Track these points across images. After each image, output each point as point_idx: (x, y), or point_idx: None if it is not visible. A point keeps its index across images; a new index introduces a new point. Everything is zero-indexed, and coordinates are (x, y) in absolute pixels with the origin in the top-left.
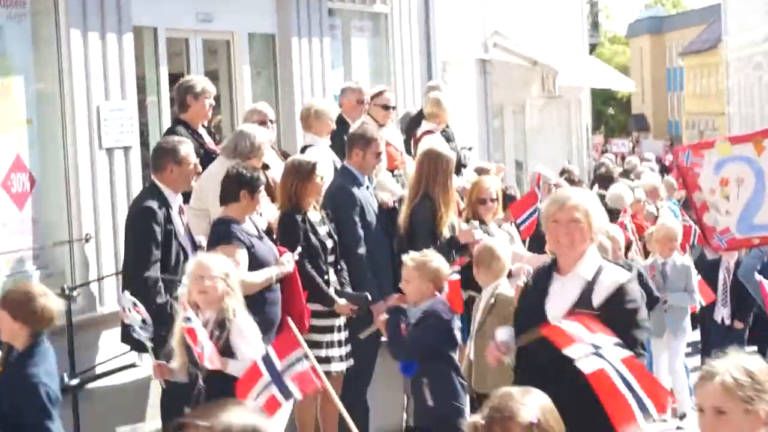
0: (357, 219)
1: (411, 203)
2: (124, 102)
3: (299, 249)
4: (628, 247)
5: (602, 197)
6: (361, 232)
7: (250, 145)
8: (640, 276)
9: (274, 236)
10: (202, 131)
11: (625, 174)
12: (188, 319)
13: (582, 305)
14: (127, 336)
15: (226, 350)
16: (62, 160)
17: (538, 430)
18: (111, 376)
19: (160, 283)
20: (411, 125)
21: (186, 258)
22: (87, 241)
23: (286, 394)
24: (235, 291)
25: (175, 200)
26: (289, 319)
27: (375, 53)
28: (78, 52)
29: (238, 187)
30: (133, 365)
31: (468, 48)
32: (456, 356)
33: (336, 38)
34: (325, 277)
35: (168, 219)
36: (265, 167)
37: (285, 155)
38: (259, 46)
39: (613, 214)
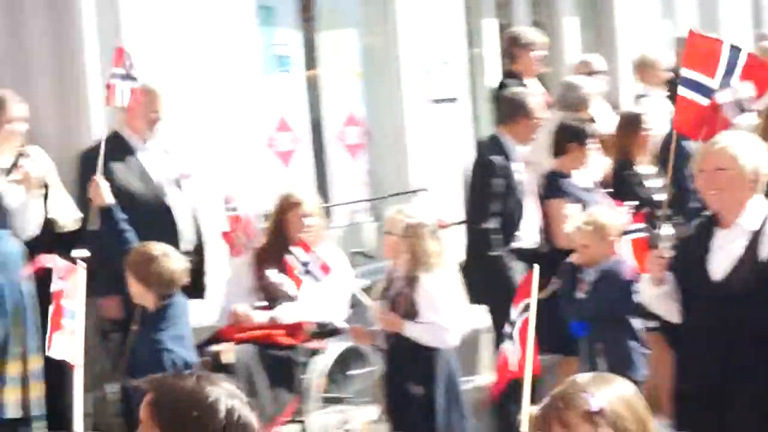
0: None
1: None
2: (452, 54)
3: (631, 203)
4: None
5: None
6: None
7: (578, 96)
8: None
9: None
10: (531, 82)
11: None
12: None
13: (748, 259)
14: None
15: (410, 311)
16: (393, 112)
17: (601, 418)
18: None
19: (497, 236)
20: None
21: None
22: (419, 194)
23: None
24: (423, 249)
25: (519, 153)
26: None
27: (701, 1)
28: (407, 5)
29: (567, 139)
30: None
31: None
32: (636, 322)
33: None
34: (656, 231)
35: (509, 172)
36: (591, 120)
37: (615, 107)
38: None
39: None
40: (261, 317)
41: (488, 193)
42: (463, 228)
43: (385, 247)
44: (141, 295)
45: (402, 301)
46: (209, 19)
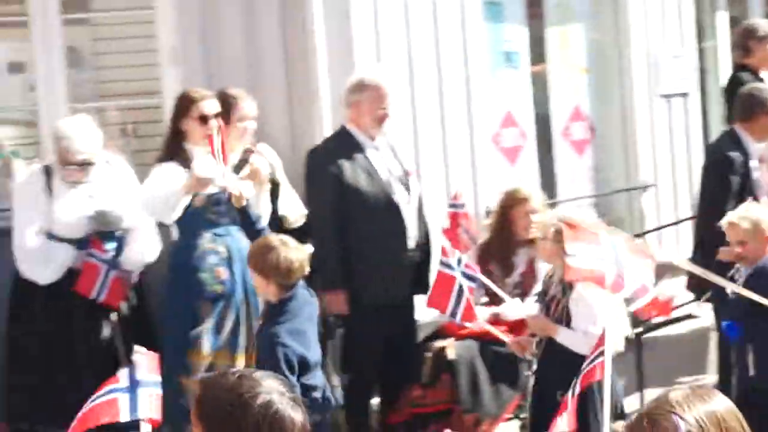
0: None
1: None
2: (682, 48)
3: None
4: None
5: None
6: None
7: None
8: None
9: None
10: (766, 76)
11: None
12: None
13: None
14: (692, 285)
15: (563, 317)
16: (620, 108)
17: None
18: (670, 326)
19: None
20: None
21: None
22: (646, 189)
23: None
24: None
25: (756, 150)
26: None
27: None
28: None
29: None
30: (690, 316)
31: None
32: None
33: None
34: None
35: (747, 169)
36: None
37: None
38: None
39: None
40: (484, 313)
41: (724, 190)
42: (690, 224)
43: (539, 251)
44: (263, 287)
45: (555, 307)
46: (436, 17)
